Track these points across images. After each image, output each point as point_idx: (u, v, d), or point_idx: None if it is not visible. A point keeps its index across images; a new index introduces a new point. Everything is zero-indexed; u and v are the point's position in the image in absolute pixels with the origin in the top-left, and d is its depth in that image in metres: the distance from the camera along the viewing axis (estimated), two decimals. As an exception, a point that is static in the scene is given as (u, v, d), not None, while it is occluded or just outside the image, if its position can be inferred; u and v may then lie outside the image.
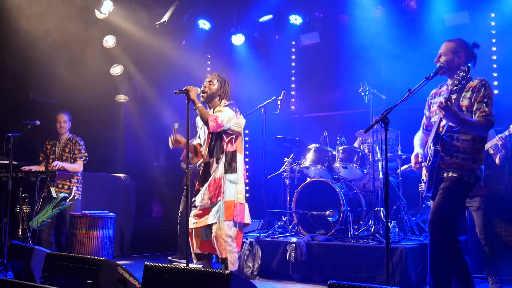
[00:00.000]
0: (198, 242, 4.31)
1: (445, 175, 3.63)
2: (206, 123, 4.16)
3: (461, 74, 3.46)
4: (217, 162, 4.24)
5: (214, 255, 4.45)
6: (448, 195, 3.58)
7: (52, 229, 5.92)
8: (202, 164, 4.43)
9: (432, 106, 3.92)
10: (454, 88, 3.51)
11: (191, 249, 4.34)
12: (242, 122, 4.34)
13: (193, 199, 4.36)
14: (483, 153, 3.71)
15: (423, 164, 3.80)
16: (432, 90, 3.98)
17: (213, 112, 4.29)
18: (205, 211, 4.24)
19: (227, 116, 4.19)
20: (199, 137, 4.58)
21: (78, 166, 6.02)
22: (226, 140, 4.26)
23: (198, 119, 4.57)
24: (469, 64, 3.50)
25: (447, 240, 3.55)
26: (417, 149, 3.89)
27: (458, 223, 3.67)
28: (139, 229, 7.57)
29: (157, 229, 7.94)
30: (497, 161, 4.89)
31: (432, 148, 3.63)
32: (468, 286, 3.62)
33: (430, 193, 3.76)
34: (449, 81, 3.79)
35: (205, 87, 4.36)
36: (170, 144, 4.32)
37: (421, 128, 4.04)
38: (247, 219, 4.31)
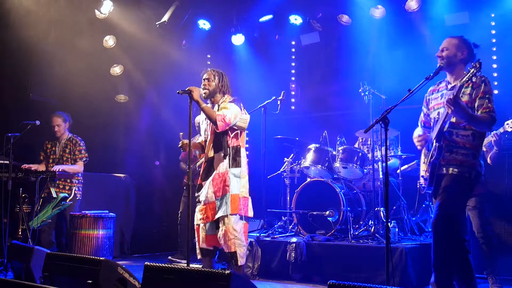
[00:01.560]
0: (204, 236, 4.33)
1: (444, 171, 3.63)
2: (214, 123, 4.20)
3: (471, 70, 3.43)
4: (222, 157, 4.27)
5: (217, 252, 4.46)
6: (450, 194, 3.58)
7: (53, 229, 5.92)
8: (204, 160, 4.44)
9: (430, 103, 3.92)
10: (464, 84, 3.49)
11: (197, 244, 4.38)
12: (247, 118, 4.40)
13: (196, 195, 4.39)
14: (481, 149, 3.72)
15: (422, 142, 3.80)
16: (430, 87, 3.98)
17: (218, 108, 4.31)
18: (209, 205, 4.27)
19: (234, 113, 4.25)
20: (200, 135, 4.62)
21: (78, 167, 6.01)
22: (232, 135, 4.31)
23: (198, 117, 4.60)
24: (479, 60, 3.47)
25: (451, 240, 3.54)
26: (418, 131, 3.90)
27: (463, 221, 3.67)
28: (139, 229, 7.57)
29: (157, 229, 7.93)
30: (488, 160, 4.85)
31: (435, 144, 3.63)
32: (470, 286, 3.62)
33: (430, 189, 3.76)
34: (448, 77, 3.79)
35: (204, 85, 4.39)
36: (180, 148, 4.53)
37: (419, 125, 4.05)
38: (250, 213, 4.35)
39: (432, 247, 3.63)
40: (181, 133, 4.56)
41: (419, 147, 3.90)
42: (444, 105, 3.54)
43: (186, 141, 4.40)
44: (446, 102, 3.47)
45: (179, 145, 4.51)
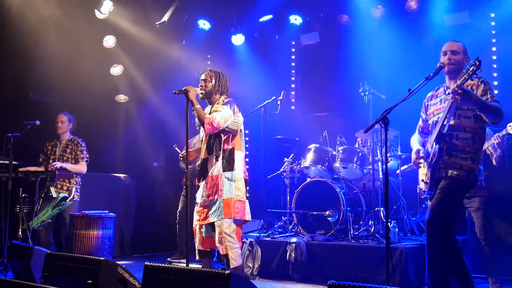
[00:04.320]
0: (200, 238, 4.33)
1: (443, 174, 3.63)
2: (202, 125, 4.20)
3: (471, 68, 3.42)
4: (215, 159, 4.25)
5: (215, 252, 4.46)
6: (445, 195, 3.58)
7: (51, 230, 5.90)
8: (200, 161, 4.44)
9: (429, 108, 3.91)
10: (463, 83, 3.47)
11: (195, 245, 4.39)
12: (239, 120, 4.32)
13: (195, 196, 4.40)
14: (481, 153, 3.71)
15: (423, 162, 3.79)
16: (429, 93, 3.97)
17: (211, 109, 4.31)
18: (204, 208, 4.27)
19: (224, 117, 4.18)
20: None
21: (81, 167, 5.99)
22: (223, 138, 4.27)
23: None
24: (479, 58, 3.45)
25: (444, 240, 3.54)
26: (417, 146, 3.87)
27: (457, 222, 3.67)
28: (139, 229, 7.57)
29: (157, 229, 7.94)
30: (494, 162, 4.88)
31: (435, 146, 3.62)
32: (467, 286, 3.62)
33: (430, 194, 3.75)
34: (447, 82, 3.78)
35: (201, 86, 4.36)
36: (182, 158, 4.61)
37: (417, 131, 4.03)
38: (248, 216, 4.28)
39: (425, 247, 3.63)
40: (175, 145, 4.55)
41: (415, 166, 3.88)
42: (450, 98, 3.47)
43: (183, 152, 4.43)
44: (452, 93, 3.41)
45: (179, 157, 4.56)
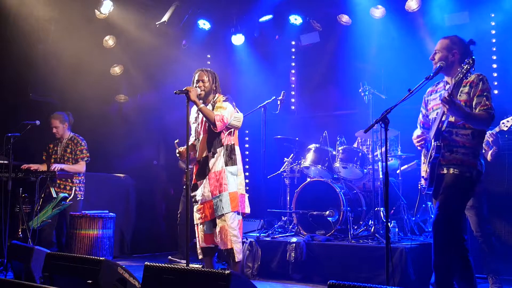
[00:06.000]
0: (202, 236, 4.37)
1: (445, 171, 3.63)
2: (213, 123, 4.22)
3: (465, 67, 3.44)
4: (217, 155, 4.30)
5: (217, 251, 4.48)
6: (451, 194, 3.58)
7: (53, 229, 5.91)
8: (197, 160, 4.45)
9: (429, 103, 3.92)
10: (458, 82, 3.49)
11: (198, 244, 4.41)
12: (240, 117, 4.44)
13: (192, 194, 4.41)
14: (481, 147, 3.72)
15: (421, 141, 3.81)
16: (428, 88, 3.98)
17: (212, 108, 4.33)
18: (207, 204, 4.28)
19: (230, 113, 4.29)
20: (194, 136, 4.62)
21: (79, 167, 5.99)
22: (226, 134, 4.34)
23: (193, 115, 4.57)
24: (473, 57, 3.46)
25: (451, 240, 3.54)
26: (417, 132, 3.91)
27: (462, 221, 3.67)
28: (139, 229, 7.57)
29: (157, 229, 7.94)
30: (488, 157, 4.86)
31: (433, 143, 3.63)
32: (471, 286, 3.62)
33: (430, 190, 3.75)
34: (446, 78, 3.79)
35: (200, 86, 4.38)
36: (178, 156, 4.56)
37: (418, 126, 4.05)
38: (247, 209, 4.43)
39: (432, 247, 3.63)
40: (176, 141, 4.55)
41: (419, 147, 3.91)
42: (440, 104, 3.55)
43: (181, 148, 4.48)
44: (441, 101, 3.47)
45: (176, 153, 4.55)
